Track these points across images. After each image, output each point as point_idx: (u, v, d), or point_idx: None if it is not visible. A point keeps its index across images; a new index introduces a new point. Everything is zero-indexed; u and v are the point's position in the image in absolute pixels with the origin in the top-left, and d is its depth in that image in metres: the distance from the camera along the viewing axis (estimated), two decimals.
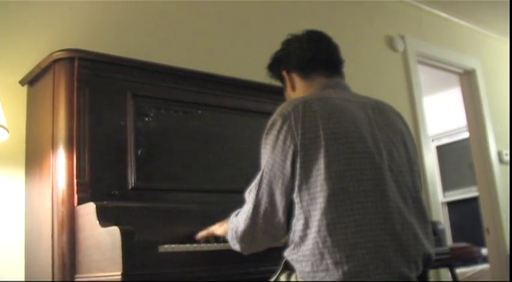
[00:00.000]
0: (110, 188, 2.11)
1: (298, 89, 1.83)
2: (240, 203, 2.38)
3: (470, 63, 4.82)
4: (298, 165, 1.54)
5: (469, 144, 5.07)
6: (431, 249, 1.62)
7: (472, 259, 5.10)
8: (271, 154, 1.59)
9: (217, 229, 1.96)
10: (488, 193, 4.64)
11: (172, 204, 2.16)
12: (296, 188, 1.55)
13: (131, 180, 2.17)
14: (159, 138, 2.31)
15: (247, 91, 2.62)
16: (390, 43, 4.13)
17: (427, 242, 1.61)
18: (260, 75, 2.77)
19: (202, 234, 2.01)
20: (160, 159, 2.28)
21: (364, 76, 3.63)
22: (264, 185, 1.60)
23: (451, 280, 3.38)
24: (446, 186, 6.65)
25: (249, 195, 1.65)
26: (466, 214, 6.41)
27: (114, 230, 1.74)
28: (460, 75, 4.89)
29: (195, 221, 2.12)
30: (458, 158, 6.69)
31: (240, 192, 2.41)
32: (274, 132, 1.60)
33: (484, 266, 5.00)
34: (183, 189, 2.30)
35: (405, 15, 4.35)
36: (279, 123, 1.60)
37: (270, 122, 1.64)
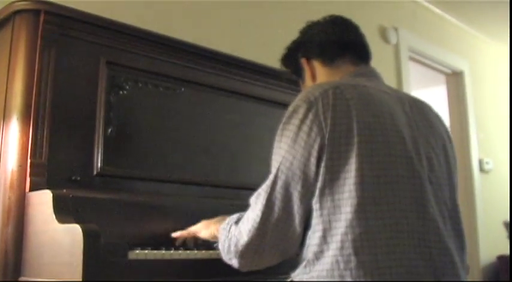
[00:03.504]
0: (70, 172, 1.73)
1: (319, 77, 1.53)
2: (224, 198, 2.07)
3: (459, 64, 4.59)
4: (323, 164, 1.23)
5: None
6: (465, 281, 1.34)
7: None
8: (290, 148, 1.28)
9: (201, 231, 1.63)
10: (466, 202, 4.42)
11: (145, 197, 1.80)
12: (317, 192, 1.24)
13: (97, 164, 1.80)
14: (134, 116, 1.94)
15: (237, 70, 2.28)
16: (383, 34, 3.85)
17: (463, 272, 1.32)
18: (254, 54, 2.46)
19: (181, 233, 1.67)
20: (132, 142, 1.92)
21: None
22: (278, 187, 1.29)
23: None
24: None
25: (257, 200, 1.32)
26: None
27: (75, 229, 1.39)
28: (448, 75, 4.66)
29: (171, 218, 1.78)
30: None
31: (225, 186, 2.11)
32: (295, 121, 1.29)
33: None
34: (157, 179, 1.94)
35: (400, 7, 4.07)
36: (302, 111, 1.29)
37: (290, 108, 1.33)
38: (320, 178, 1.24)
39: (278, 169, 1.30)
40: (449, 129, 1.52)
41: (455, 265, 1.29)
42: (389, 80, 3.78)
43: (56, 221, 1.47)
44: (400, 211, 1.24)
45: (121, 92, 1.92)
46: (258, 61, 2.36)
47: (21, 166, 1.66)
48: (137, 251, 1.49)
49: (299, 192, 1.26)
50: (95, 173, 1.79)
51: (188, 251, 1.60)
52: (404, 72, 3.93)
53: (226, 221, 1.45)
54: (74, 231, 1.39)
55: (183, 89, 2.10)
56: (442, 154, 1.39)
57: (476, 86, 4.69)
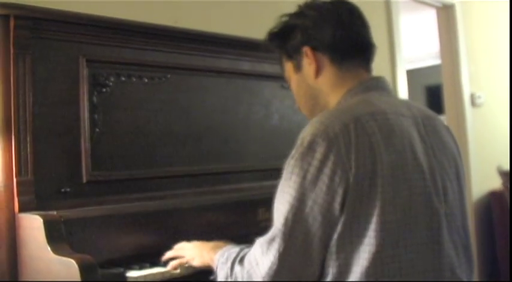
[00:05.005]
0: (59, 184, 1.69)
1: (325, 75, 1.35)
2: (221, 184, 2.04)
3: None
4: (345, 209, 1.15)
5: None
6: None
7: None
8: (309, 192, 1.17)
9: (194, 259, 1.52)
10: (458, 137, 4.32)
11: (138, 206, 1.74)
12: (336, 236, 1.16)
13: (86, 171, 1.74)
14: (120, 113, 1.86)
15: (221, 48, 2.18)
16: None
17: None
18: (235, 29, 2.32)
19: (175, 265, 1.55)
20: (120, 141, 1.85)
21: None
22: (297, 233, 1.18)
23: None
24: None
25: (270, 246, 1.21)
26: None
27: (70, 263, 1.35)
28: (438, 9, 4.51)
29: (168, 224, 1.74)
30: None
31: (221, 172, 2.07)
32: (314, 162, 1.16)
33: None
34: (149, 177, 1.90)
35: None
36: (321, 150, 1.16)
37: (304, 142, 1.19)
38: (341, 222, 1.16)
39: (294, 213, 1.18)
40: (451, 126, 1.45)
41: None
42: (380, 24, 3.66)
43: (50, 251, 1.42)
44: (417, 253, 1.18)
45: (104, 90, 1.83)
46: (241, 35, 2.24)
47: (8, 186, 1.60)
48: (136, 275, 1.46)
49: (319, 238, 1.17)
50: (84, 180, 1.73)
51: (187, 265, 1.57)
52: (394, 13, 3.79)
53: (225, 256, 1.36)
54: (69, 265, 1.36)
55: (169, 76, 2.01)
56: (454, 178, 1.32)
57: (468, 18, 4.55)
